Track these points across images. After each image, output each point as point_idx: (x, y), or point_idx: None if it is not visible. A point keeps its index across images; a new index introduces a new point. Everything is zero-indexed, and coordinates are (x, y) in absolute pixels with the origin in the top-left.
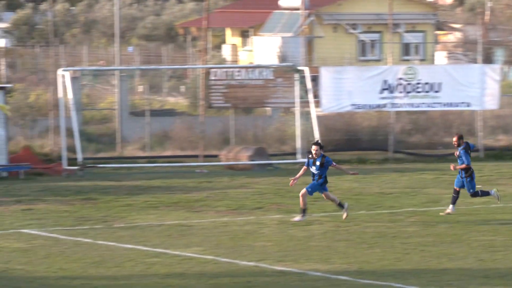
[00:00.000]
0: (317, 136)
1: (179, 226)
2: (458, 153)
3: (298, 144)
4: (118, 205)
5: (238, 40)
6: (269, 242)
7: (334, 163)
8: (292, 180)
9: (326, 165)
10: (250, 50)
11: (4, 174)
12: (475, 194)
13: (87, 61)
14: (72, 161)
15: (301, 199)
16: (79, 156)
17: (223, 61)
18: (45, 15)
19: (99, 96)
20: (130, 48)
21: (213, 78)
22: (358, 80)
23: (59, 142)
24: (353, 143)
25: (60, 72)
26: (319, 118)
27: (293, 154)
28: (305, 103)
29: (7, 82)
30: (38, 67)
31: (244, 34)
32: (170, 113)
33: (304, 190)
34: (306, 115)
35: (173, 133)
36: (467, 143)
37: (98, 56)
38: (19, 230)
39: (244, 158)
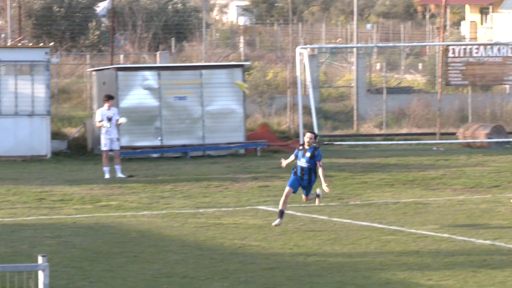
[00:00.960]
0: None
1: (414, 204)
2: None
3: None
4: (353, 183)
5: (477, 17)
6: (506, 221)
7: (321, 163)
8: (284, 161)
9: (315, 159)
10: (489, 27)
11: (242, 151)
12: None
13: (324, 39)
14: None
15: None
16: (316, 133)
17: (461, 38)
18: None
19: (336, 73)
20: (368, 26)
21: (451, 55)
22: None
23: (296, 120)
24: None
25: (298, 49)
26: None
27: None
28: None
29: (246, 60)
30: (277, 45)
31: (483, 11)
32: (407, 90)
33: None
34: None
35: (410, 110)
36: None
37: (336, 33)
38: (255, 207)
39: (481, 136)
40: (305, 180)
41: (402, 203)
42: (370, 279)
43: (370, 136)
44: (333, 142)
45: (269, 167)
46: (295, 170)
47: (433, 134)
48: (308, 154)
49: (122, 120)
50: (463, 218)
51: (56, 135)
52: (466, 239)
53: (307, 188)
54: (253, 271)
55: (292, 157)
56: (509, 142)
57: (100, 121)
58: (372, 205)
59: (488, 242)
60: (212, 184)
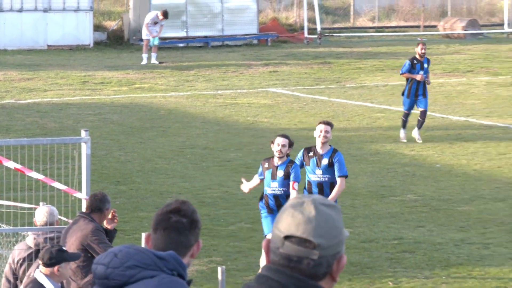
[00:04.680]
0: None
1: (400, 87)
2: None
3: (506, 15)
4: (349, 68)
5: None
6: (478, 100)
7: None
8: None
9: (290, 174)
10: None
11: (255, 41)
12: None
13: None
14: (312, 31)
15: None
16: (318, 26)
17: None
18: None
19: None
20: None
21: None
22: None
23: (301, 15)
24: None
25: None
26: None
27: (501, 24)
28: None
29: None
30: None
31: None
32: None
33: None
34: None
35: (398, 6)
36: None
37: None
38: (266, 89)
39: (458, 28)
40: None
41: (390, 85)
42: (362, 150)
43: (364, 29)
44: (332, 34)
45: (278, 55)
46: (264, 200)
47: (418, 26)
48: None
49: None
50: (441, 98)
51: (97, 28)
52: (444, 116)
53: None
54: (263, 143)
55: (255, 180)
56: (482, 33)
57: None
58: (364, 87)
59: (462, 118)
60: (230, 69)
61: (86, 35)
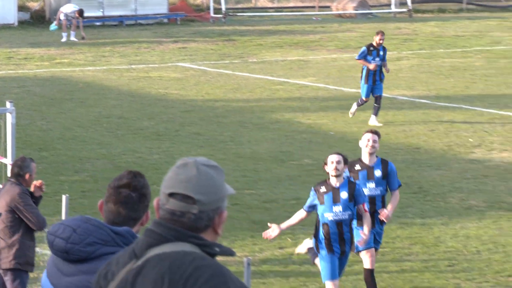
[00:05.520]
0: None
1: (298, 61)
2: None
3: None
4: (251, 45)
5: None
6: None
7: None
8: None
9: (357, 199)
10: None
11: (165, 20)
12: None
13: None
14: (217, 11)
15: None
16: (223, 7)
17: None
18: None
19: None
20: None
21: None
22: None
23: None
24: None
25: None
26: None
27: (388, 5)
28: None
29: None
30: None
31: None
32: None
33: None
34: None
35: None
36: None
37: None
38: (175, 64)
39: (350, 8)
40: (347, 248)
41: (289, 60)
42: (263, 119)
43: (265, 9)
44: (236, 14)
45: (186, 33)
46: (323, 232)
47: (313, 7)
48: (344, 195)
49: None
50: (335, 72)
51: (21, 8)
52: (337, 88)
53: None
54: (173, 113)
55: (298, 216)
56: (371, 13)
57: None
58: (265, 62)
59: (353, 90)
60: (142, 46)
61: (11, 15)
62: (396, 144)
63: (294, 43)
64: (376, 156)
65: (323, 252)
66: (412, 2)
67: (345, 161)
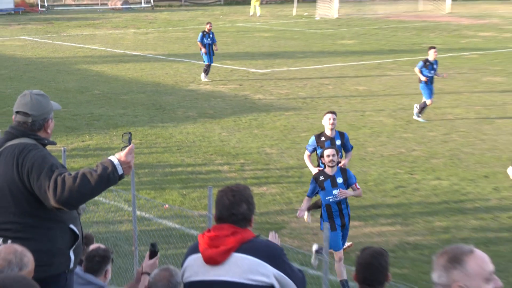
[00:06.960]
0: None
1: (90, 35)
2: None
3: None
4: (63, 25)
5: None
6: (130, 41)
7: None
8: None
9: (350, 180)
10: None
11: (12, 12)
12: None
13: None
14: (42, 5)
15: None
16: (46, 3)
17: None
18: None
19: None
20: None
21: None
22: None
23: None
24: None
25: None
26: None
27: (140, 2)
28: None
29: None
30: None
31: None
32: None
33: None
34: None
35: None
36: None
37: None
38: (19, 37)
39: (119, 4)
40: (346, 221)
41: (85, 34)
42: (70, 68)
43: (70, 5)
44: (53, 7)
45: (25, 19)
46: (325, 211)
47: (97, 4)
48: (340, 180)
49: None
50: (111, 41)
51: None
52: (111, 49)
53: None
54: (19, 65)
55: (307, 200)
56: (131, 7)
57: None
58: (71, 35)
59: (121, 51)
60: None
61: None
62: (147, 81)
63: (88, 24)
64: (335, 130)
65: (327, 225)
66: (154, 1)
67: (337, 152)
